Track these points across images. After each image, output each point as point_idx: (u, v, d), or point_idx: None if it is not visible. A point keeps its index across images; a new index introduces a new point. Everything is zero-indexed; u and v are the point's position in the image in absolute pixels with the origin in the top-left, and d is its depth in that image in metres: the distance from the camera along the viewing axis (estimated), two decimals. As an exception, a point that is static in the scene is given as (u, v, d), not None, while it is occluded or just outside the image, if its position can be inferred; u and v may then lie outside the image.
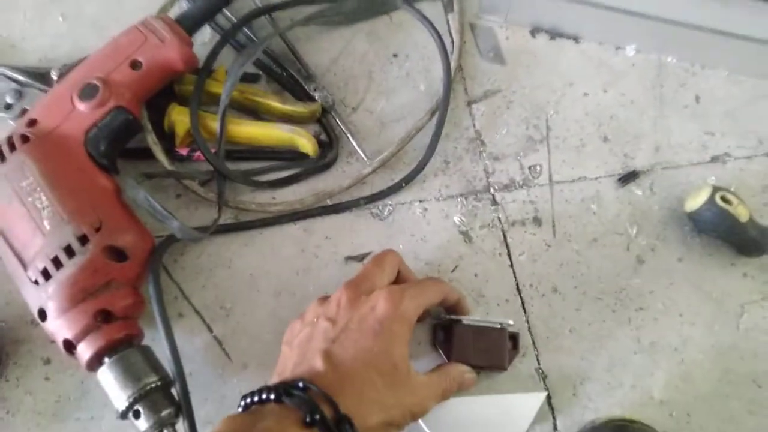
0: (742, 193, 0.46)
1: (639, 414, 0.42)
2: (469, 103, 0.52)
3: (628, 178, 0.49)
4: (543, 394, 0.42)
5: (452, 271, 0.47)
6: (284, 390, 0.33)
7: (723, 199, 0.44)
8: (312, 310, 0.39)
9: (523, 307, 0.46)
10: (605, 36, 0.53)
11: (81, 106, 0.41)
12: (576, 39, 0.54)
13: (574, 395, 0.43)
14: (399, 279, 0.41)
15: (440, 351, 0.44)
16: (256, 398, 0.33)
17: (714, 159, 0.50)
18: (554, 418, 0.42)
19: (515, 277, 0.47)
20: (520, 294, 0.46)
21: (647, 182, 0.49)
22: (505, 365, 0.42)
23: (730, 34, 0.49)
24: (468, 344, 0.42)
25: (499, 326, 0.42)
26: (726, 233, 0.45)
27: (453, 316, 0.43)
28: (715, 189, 0.45)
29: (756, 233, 0.45)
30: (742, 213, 0.44)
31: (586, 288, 0.46)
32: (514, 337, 0.44)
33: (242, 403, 0.34)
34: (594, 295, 0.46)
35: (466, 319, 0.42)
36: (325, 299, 0.39)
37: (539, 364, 0.44)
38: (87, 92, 0.41)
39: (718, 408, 0.42)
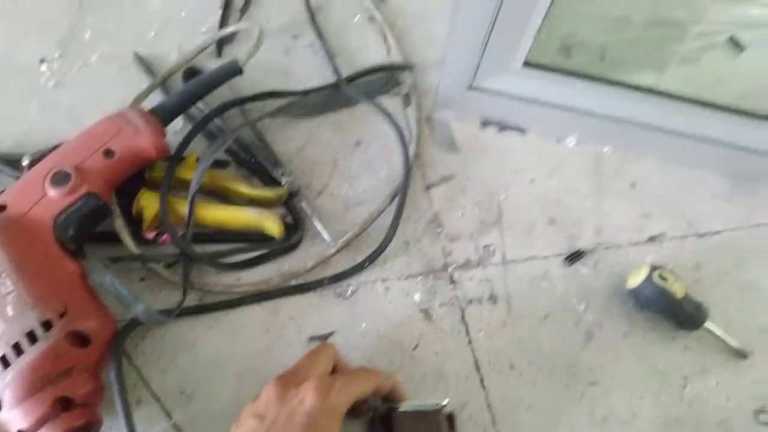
0: (677, 271, 0.51)
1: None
2: (427, 188, 0.56)
3: (574, 257, 0.53)
4: None
5: (414, 349, 0.48)
6: None
7: (660, 276, 0.48)
8: (245, 412, 0.39)
9: (482, 384, 0.47)
10: (547, 129, 0.59)
11: (52, 193, 0.43)
12: (521, 131, 0.59)
13: (533, 472, 0.44)
14: (335, 371, 0.42)
15: None
16: None
17: (651, 239, 0.54)
18: (515, 496, 0.43)
19: (474, 354, 0.48)
20: (479, 371, 0.48)
21: (592, 261, 0.53)
22: None
23: (658, 128, 0.55)
24: (406, 429, 0.42)
25: (435, 407, 0.43)
26: (664, 309, 0.49)
27: (389, 405, 0.43)
28: (653, 267, 0.49)
29: (691, 308, 0.48)
30: (678, 290, 0.48)
31: (541, 364, 0.48)
32: (450, 418, 0.44)
33: None
34: (548, 370, 0.48)
35: (403, 406, 0.43)
36: (256, 399, 0.39)
37: (499, 441, 0.45)
38: (59, 179, 0.43)
39: (669, 480, 0.44)
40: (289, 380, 0.39)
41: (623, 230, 0.54)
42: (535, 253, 0.53)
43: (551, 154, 0.58)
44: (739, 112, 0.54)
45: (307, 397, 0.37)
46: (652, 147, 0.57)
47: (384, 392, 0.42)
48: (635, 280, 0.49)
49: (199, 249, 0.49)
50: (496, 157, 0.57)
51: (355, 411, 0.40)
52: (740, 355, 0.49)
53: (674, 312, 0.49)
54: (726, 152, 0.55)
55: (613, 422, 0.46)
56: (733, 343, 0.49)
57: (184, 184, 0.49)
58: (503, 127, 0.59)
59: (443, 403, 0.43)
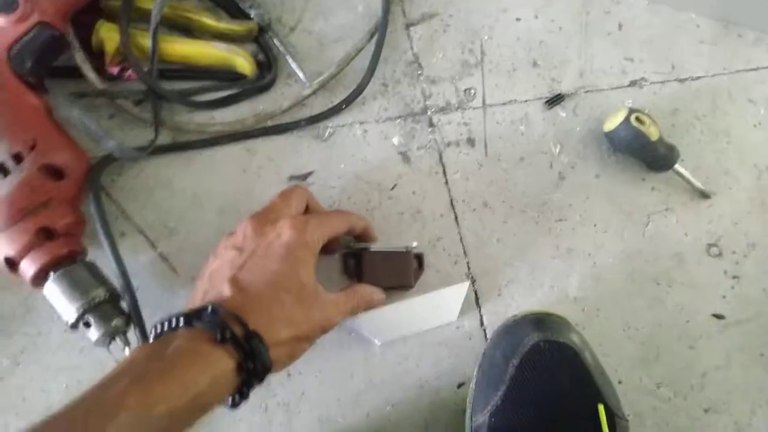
0: (654, 115, 0.51)
1: (555, 310, 0.47)
2: (407, 26, 0.53)
3: (554, 101, 0.52)
4: (466, 283, 0.46)
5: (391, 189, 0.49)
6: (194, 315, 0.34)
7: (637, 119, 0.49)
8: (221, 244, 0.40)
9: (456, 221, 0.49)
10: (538, -39, 0.55)
11: (0, 21, 0.39)
12: (510, -37, 0.55)
13: (499, 295, 0.48)
14: (307, 212, 0.43)
15: (353, 278, 0.46)
16: (166, 326, 0.34)
17: (632, 83, 0.54)
18: (481, 315, 0.47)
19: (450, 193, 0.50)
20: (453, 209, 0.49)
21: (571, 105, 0.53)
22: (411, 283, 0.45)
23: (651, -38, 0.52)
24: (377, 267, 0.44)
25: (404, 249, 0.45)
26: (638, 150, 0.50)
27: (362, 245, 0.45)
28: (631, 111, 0.49)
29: (664, 150, 0.49)
30: (653, 132, 0.49)
31: (513, 203, 0.50)
32: (419, 258, 0.47)
33: (152, 333, 0.34)
34: (520, 208, 0.50)
35: (374, 246, 0.45)
36: (233, 233, 0.40)
37: (469, 269, 0.48)
38: (5, 6, 0.39)
39: (623, 304, 0.48)
40: (264, 217, 0.40)
41: (605, 74, 0.54)
42: (516, 97, 0.52)
43: (539, -9, 0.55)
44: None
45: (284, 231, 0.38)
46: (645, -16, 0.55)
47: (356, 232, 0.44)
48: (612, 122, 0.49)
49: (167, 86, 0.47)
50: (482, -7, 0.54)
51: (327, 248, 0.42)
52: (703, 195, 0.51)
53: (647, 153, 0.50)
54: (719, -9, 0.53)
55: (577, 254, 0.49)
56: (698, 184, 0.51)
57: (145, 15, 0.46)
58: (490, -42, 0.55)
59: (413, 245, 0.46)
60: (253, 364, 0.33)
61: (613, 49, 0.54)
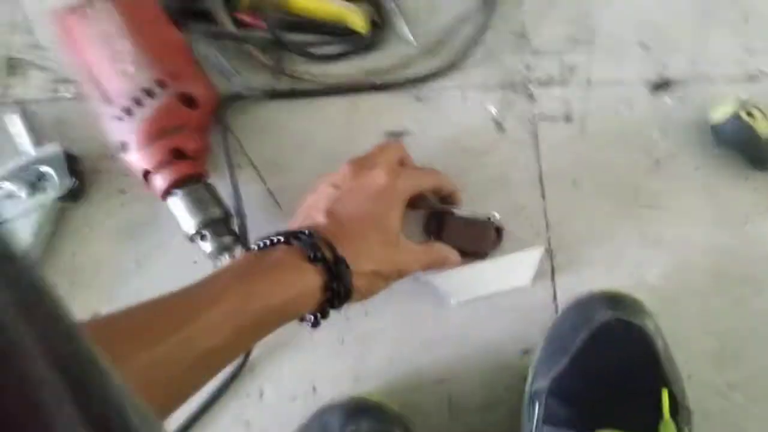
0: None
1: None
2: (520, -2, 0.54)
3: (661, 86, 0.51)
4: (540, 248, 0.47)
5: (483, 156, 0.51)
6: (292, 234, 0.37)
7: (748, 113, 0.47)
8: (321, 182, 0.44)
9: (543, 194, 0.50)
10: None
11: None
12: (635, -59, 0.54)
13: (576, 274, 0.48)
14: (401, 165, 0.45)
15: (432, 237, 0.48)
16: (267, 241, 0.37)
17: (748, 77, 0.51)
18: (555, 289, 0.48)
19: (540, 167, 0.51)
20: (541, 182, 0.50)
21: (679, 93, 0.51)
22: (487, 253, 0.47)
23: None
24: (457, 231, 0.46)
25: (486, 218, 0.47)
26: (744, 146, 0.48)
27: (446, 207, 0.47)
28: (742, 103, 0.47)
29: (773, 149, 0.48)
30: (763, 128, 0.47)
31: (604, 183, 0.50)
32: (498, 230, 0.48)
33: (255, 246, 0.38)
34: (610, 190, 0.50)
35: (458, 210, 0.47)
36: (332, 174, 0.44)
37: (549, 244, 0.49)
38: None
39: (705, 300, 0.47)
40: (362, 162, 0.43)
41: (720, 64, 0.52)
42: (622, 77, 0.52)
43: (663, -31, 0.53)
44: None
45: (379, 176, 0.41)
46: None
47: (444, 193, 0.47)
48: (720, 113, 0.48)
49: (290, 37, 0.51)
50: (600, -31, 0.53)
51: (413, 202, 0.45)
52: (811, 202, 0.49)
53: (754, 150, 0.48)
54: None
55: (663, 245, 0.48)
56: (807, 189, 0.48)
57: (278, -31, 0.50)
58: (615, -65, 0.54)
59: (495, 215, 0.47)
60: (337, 286, 0.36)
61: (734, 39, 0.52)
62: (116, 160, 0.47)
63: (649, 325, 0.42)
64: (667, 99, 0.51)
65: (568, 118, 0.51)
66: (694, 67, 0.51)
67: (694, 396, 0.42)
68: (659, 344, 0.41)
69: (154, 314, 0.32)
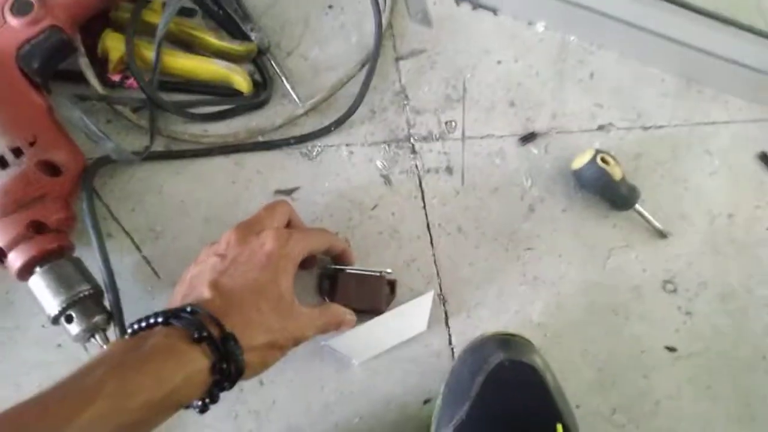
0: (619, 157, 0.55)
1: (520, 333, 0.50)
2: (397, 59, 0.57)
3: (528, 138, 0.56)
4: (431, 293, 0.48)
5: (372, 210, 0.52)
6: (172, 314, 0.34)
7: (603, 159, 0.52)
8: (204, 252, 0.42)
9: (431, 243, 0.52)
10: (519, 11, 0.59)
11: (13, 22, 0.41)
12: (494, 11, 0.59)
13: (468, 317, 0.50)
14: (289, 227, 0.45)
15: (325, 298, 0.48)
16: (143, 324, 0.35)
17: (600, 127, 0.58)
18: (450, 334, 0.49)
19: (427, 217, 0.52)
20: (429, 232, 0.52)
21: (543, 143, 0.56)
22: (382, 308, 0.47)
23: (621, 20, 0.57)
24: (350, 290, 0.46)
25: (378, 274, 0.48)
26: (602, 189, 0.53)
27: (338, 266, 0.47)
28: (597, 151, 0.53)
29: (626, 190, 0.53)
30: (616, 173, 0.53)
31: (486, 229, 0.53)
32: (391, 284, 0.49)
33: (130, 330, 0.35)
34: (491, 235, 0.53)
35: (349, 268, 0.47)
36: (215, 242, 0.42)
37: (441, 290, 0.50)
38: (21, 7, 0.41)
39: (582, 331, 0.51)
40: (248, 227, 0.42)
41: (576, 117, 0.58)
42: (493, 132, 0.56)
43: (520, 38, 0.59)
44: (702, 13, 0.56)
45: (267, 242, 0.40)
46: (615, 39, 0.59)
47: (335, 252, 0.46)
48: (580, 161, 0.53)
49: (165, 97, 0.49)
50: (467, 35, 0.58)
51: (304, 264, 0.44)
52: (661, 235, 0.55)
53: (610, 192, 0.53)
54: (682, 51, 0.58)
55: (542, 282, 0.52)
56: (657, 224, 0.54)
57: (150, 28, 0.48)
58: (477, 5, 0.59)
59: (387, 271, 0.48)
60: (227, 365, 0.34)
61: (585, 95, 0.59)
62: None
63: (538, 362, 0.44)
64: (533, 149, 0.56)
65: (449, 170, 0.54)
66: (554, 120, 0.57)
67: (584, 424, 0.44)
68: (549, 380, 0.44)
69: (18, 424, 0.27)
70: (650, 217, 0.54)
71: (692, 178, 0.57)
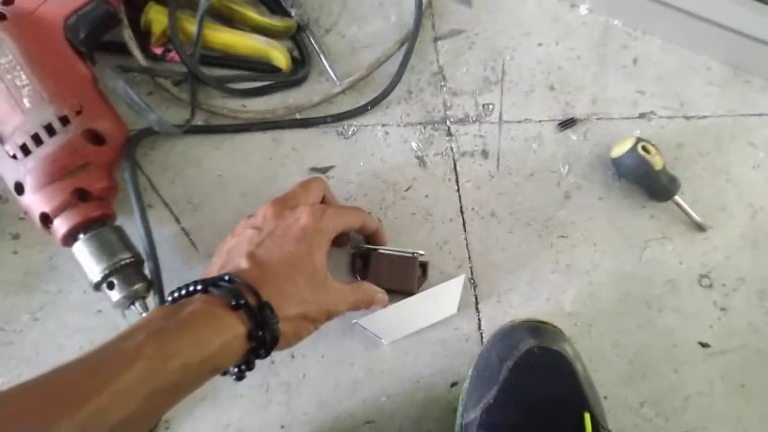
0: (660, 147, 0.53)
1: (550, 321, 0.49)
2: (435, 40, 0.56)
3: (567, 124, 0.55)
4: (462, 277, 0.48)
5: (406, 191, 0.52)
6: (211, 282, 0.35)
7: (644, 148, 0.51)
8: (240, 224, 0.42)
9: (464, 227, 0.51)
10: (563, -8, 0.58)
11: (62, -9, 0.42)
12: (538, -9, 0.58)
13: (498, 302, 0.50)
14: (323, 204, 0.45)
15: (358, 277, 0.48)
16: (183, 291, 0.35)
17: (641, 115, 0.57)
18: (479, 319, 0.49)
19: (460, 200, 0.52)
20: (462, 215, 0.52)
21: (582, 129, 0.55)
22: (413, 290, 0.47)
23: (669, 4, 0.55)
24: (382, 270, 0.47)
25: (411, 255, 0.47)
26: (641, 178, 0.52)
27: (371, 246, 0.48)
28: (638, 140, 0.52)
29: (666, 180, 0.52)
30: (657, 162, 0.51)
31: (520, 215, 0.52)
32: (423, 266, 0.49)
33: (170, 298, 0.36)
34: (525, 221, 0.52)
35: (382, 249, 0.47)
36: (252, 215, 0.42)
37: (472, 274, 0.50)
38: (69, -23, 0.42)
39: (614, 322, 0.51)
40: (284, 202, 0.42)
41: (617, 104, 0.56)
42: (531, 116, 0.55)
43: (562, 20, 0.58)
44: (753, -2, 0.54)
45: (302, 216, 0.40)
46: (661, 25, 0.58)
47: (368, 231, 0.46)
48: (620, 149, 0.52)
49: (206, 71, 0.50)
50: (508, 16, 0.57)
51: (338, 241, 0.44)
52: (700, 228, 0.54)
53: (650, 182, 0.52)
54: (730, 38, 0.56)
55: (575, 270, 0.51)
56: (696, 217, 0.53)
57: (193, 2, 0.48)
58: (520, -15, 0.58)
59: (420, 252, 0.48)
60: (262, 333, 0.34)
61: (627, 82, 0.57)
62: (9, 203, 0.43)
63: (568, 351, 0.43)
64: (572, 135, 0.55)
65: (485, 154, 0.54)
66: (595, 106, 0.56)
67: (611, 416, 0.44)
68: (579, 369, 0.43)
69: (60, 385, 0.28)
70: (689, 209, 0.53)
71: (735, 170, 0.56)
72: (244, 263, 0.37)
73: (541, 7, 0.58)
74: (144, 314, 0.41)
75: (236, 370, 0.35)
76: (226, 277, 0.35)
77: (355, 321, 0.46)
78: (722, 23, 0.55)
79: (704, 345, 0.51)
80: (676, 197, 0.52)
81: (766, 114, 0.58)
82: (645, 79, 0.57)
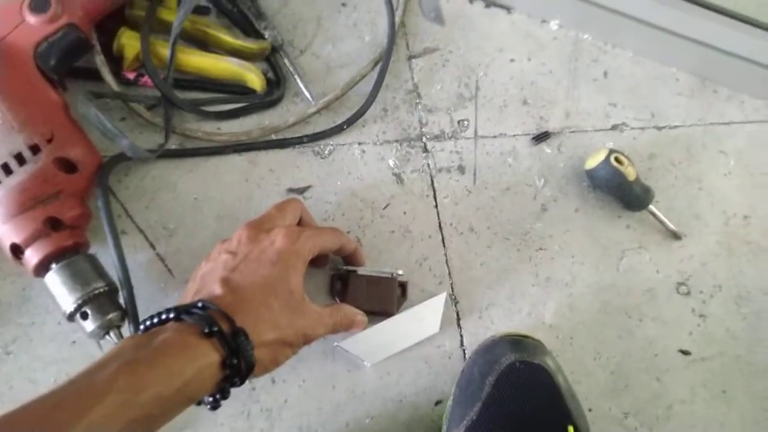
0: (632, 158, 0.54)
1: (532, 334, 0.49)
2: (410, 58, 0.56)
3: (541, 137, 0.56)
4: (443, 295, 0.48)
5: (384, 208, 0.52)
6: (183, 309, 0.35)
7: (617, 159, 0.52)
8: (215, 249, 0.42)
9: (443, 243, 0.52)
10: (533, 9, 0.59)
11: (31, 19, 0.42)
12: (508, 9, 0.59)
13: (479, 318, 0.50)
14: (300, 225, 0.45)
15: (336, 299, 0.48)
16: (155, 320, 0.35)
17: (614, 127, 0.58)
18: (461, 336, 0.49)
19: (438, 216, 0.52)
20: (441, 231, 0.52)
21: (556, 142, 0.56)
22: (393, 311, 0.47)
23: (637, 19, 0.56)
24: (361, 291, 0.46)
25: (390, 276, 0.47)
26: (616, 189, 0.53)
27: (349, 267, 0.47)
28: (611, 151, 0.52)
29: (640, 190, 0.53)
30: (630, 173, 0.52)
31: (498, 229, 0.53)
32: (403, 286, 0.49)
33: (142, 327, 0.35)
34: (503, 235, 0.53)
35: (361, 270, 0.47)
36: (227, 240, 0.42)
37: (452, 291, 0.50)
38: (38, 5, 0.42)
39: (595, 333, 0.51)
40: (259, 225, 0.42)
41: (590, 116, 0.57)
42: (506, 131, 0.56)
43: (533, 36, 0.59)
44: (718, 11, 0.55)
45: (277, 239, 0.40)
46: (630, 38, 0.59)
47: (345, 253, 0.46)
48: (594, 161, 0.53)
49: (180, 95, 0.50)
50: (480, 33, 0.58)
51: (315, 263, 0.44)
52: (675, 236, 0.54)
53: (624, 192, 0.53)
54: (697, 50, 0.57)
55: (554, 283, 0.52)
56: (671, 225, 0.54)
57: (165, 26, 0.48)
58: (490, 3, 0.59)
59: (398, 272, 0.48)
60: (237, 361, 0.34)
61: (598, 95, 0.58)
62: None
63: (550, 364, 0.43)
64: (546, 149, 0.56)
65: (461, 170, 0.54)
66: (568, 120, 0.57)
67: (595, 428, 0.44)
68: (561, 381, 0.43)
69: (31, 421, 0.28)
70: (664, 218, 0.54)
71: (707, 178, 0.57)
72: (218, 289, 0.37)
73: (512, 24, 0.59)
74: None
75: (211, 399, 0.35)
76: (200, 304, 0.35)
77: (336, 344, 0.46)
78: (689, 36, 0.56)
79: (685, 353, 0.51)
80: (651, 206, 0.53)
81: (735, 122, 0.59)
82: (616, 92, 0.58)
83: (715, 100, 0.60)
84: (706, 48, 0.57)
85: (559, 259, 0.52)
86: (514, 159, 0.55)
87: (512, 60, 0.58)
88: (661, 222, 0.54)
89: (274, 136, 0.51)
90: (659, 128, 0.58)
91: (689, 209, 0.55)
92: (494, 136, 0.55)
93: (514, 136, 0.56)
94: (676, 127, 0.58)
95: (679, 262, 0.54)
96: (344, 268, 0.48)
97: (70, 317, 0.39)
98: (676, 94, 0.59)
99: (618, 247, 0.54)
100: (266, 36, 0.52)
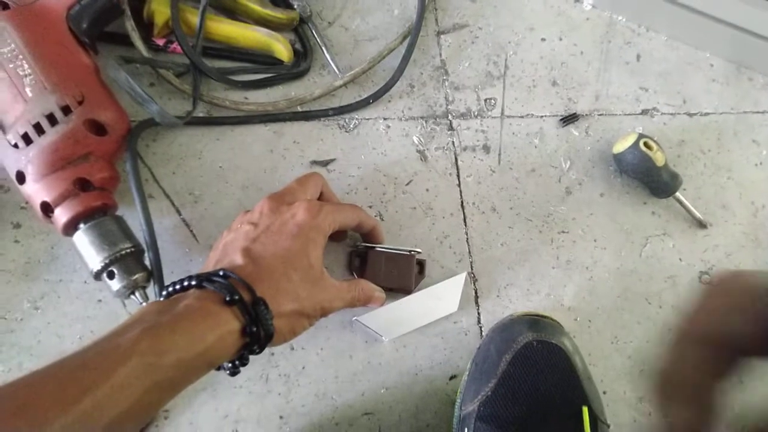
0: (662, 144, 0.53)
1: (550, 315, 0.49)
2: (438, 34, 0.56)
3: (569, 119, 0.55)
4: (463, 274, 0.48)
5: (407, 185, 0.52)
6: (205, 277, 0.35)
7: (646, 144, 0.51)
8: (237, 219, 0.42)
9: (465, 221, 0.52)
10: (567, -13, 0.58)
11: (64, -19, 0.42)
12: (541, -14, 0.58)
13: (497, 297, 0.50)
14: (321, 200, 0.45)
15: (354, 275, 0.48)
16: (177, 286, 0.35)
17: (644, 112, 0.56)
18: (479, 313, 0.49)
19: (461, 195, 0.52)
20: (463, 210, 0.52)
21: (584, 125, 0.55)
22: (411, 288, 0.47)
23: (672, 0, 0.55)
24: (379, 268, 0.47)
25: (408, 253, 0.48)
26: (643, 174, 0.52)
27: (368, 244, 0.48)
28: (641, 136, 0.51)
29: (667, 177, 0.52)
30: (659, 158, 0.51)
31: (520, 210, 0.52)
32: (421, 264, 0.49)
33: (164, 293, 0.36)
34: (526, 216, 0.52)
35: (379, 247, 0.47)
36: (249, 211, 0.42)
37: (472, 269, 0.50)
38: (71, -32, 0.42)
39: (614, 317, 0.51)
40: (281, 198, 0.42)
41: (620, 100, 0.56)
42: (533, 111, 0.55)
43: (566, 15, 0.58)
44: (758, -6, 0.54)
45: (298, 212, 0.40)
46: (664, 21, 0.57)
47: (365, 229, 0.46)
48: (622, 145, 0.52)
49: (208, 63, 0.50)
50: (512, 11, 0.57)
51: (334, 238, 0.44)
52: (700, 225, 0.54)
53: (651, 178, 0.52)
54: (733, 35, 0.56)
55: (575, 266, 0.51)
56: (697, 214, 0.53)
57: (196, -7, 0.48)
58: (523, -21, 0.58)
59: (417, 250, 0.48)
60: (256, 329, 0.34)
61: (630, 78, 0.57)
62: (11, 192, 0.43)
63: (568, 345, 0.43)
64: (574, 131, 0.55)
65: (486, 149, 0.53)
66: (597, 102, 0.56)
67: (609, 410, 0.44)
68: (577, 362, 0.43)
69: (55, 382, 0.28)
70: (690, 206, 0.53)
71: (737, 167, 0.56)
72: (239, 259, 0.37)
73: (545, 2, 0.58)
74: (143, 304, 0.41)
75: (230, 365, 0.35)
76: (221, 273, 0.35)
77: (355, 318, 0.46)
78: (725, 20, 0.55)
79: (703, 342, 0.51)
80: (678, 194, 0.52)
81: (769, 111, 0.58)
82: (648, 76, 0.57)
83: (750, 88, 0.58)
84: (743, 33, 0.55)
85: (581, 243, 0.52)
86: (540, 140, 0.54)
87: (543, 39, 0.57)
88: (688, 210, 0.53)
89: (299, 108, 0.51)
90: (690, 115, 0.57)
91: (717, 198, 0.54)
92: (521, 117, 0.55)
93: (542, 117, 0.55)
94: (707, 114, 0.57)
95: (703, 251, 0.53)
96: (363, 244, 0.48)
97: (97, 276, 0.40)
98: (709, 80, 0.58)
99: (642, 233, 0.53)
100: (295, 6, 0.52)
